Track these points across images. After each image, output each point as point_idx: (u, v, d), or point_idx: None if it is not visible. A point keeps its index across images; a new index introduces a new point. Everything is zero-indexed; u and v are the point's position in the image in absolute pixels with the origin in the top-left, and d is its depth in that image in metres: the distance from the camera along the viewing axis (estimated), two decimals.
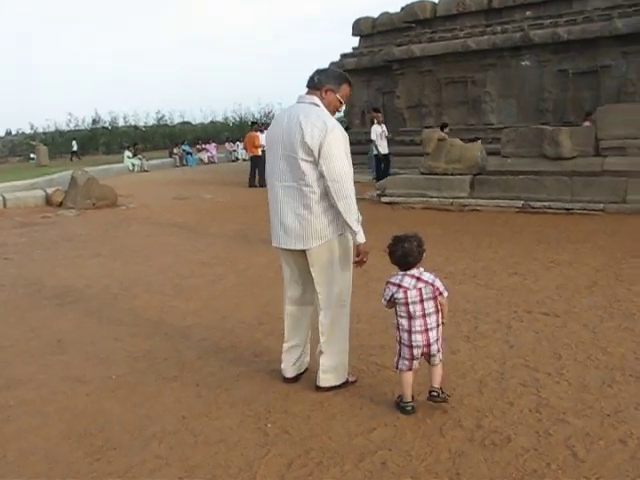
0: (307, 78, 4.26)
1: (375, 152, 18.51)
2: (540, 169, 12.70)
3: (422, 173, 14.41)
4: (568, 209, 12.13)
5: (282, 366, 4.52)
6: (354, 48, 25.23)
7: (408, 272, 3.86)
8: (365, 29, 24.62)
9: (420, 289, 3.80)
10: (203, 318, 6.31)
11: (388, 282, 3.92)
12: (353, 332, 4.99)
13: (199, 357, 5.18)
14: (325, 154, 3.94)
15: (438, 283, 3.87)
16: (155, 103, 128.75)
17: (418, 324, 3.80)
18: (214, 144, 40.06)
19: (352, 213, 4.02)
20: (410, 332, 3.82)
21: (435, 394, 3.87)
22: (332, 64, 25.17)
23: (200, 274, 8.35)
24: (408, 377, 3.91)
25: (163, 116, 62.84)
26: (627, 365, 4.56)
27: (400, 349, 3.91)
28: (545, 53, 18.68)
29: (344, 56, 25.10)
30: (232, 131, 53.75)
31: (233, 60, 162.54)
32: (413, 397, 3.95)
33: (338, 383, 4.30)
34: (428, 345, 3.83)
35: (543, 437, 3.51)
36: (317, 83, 4.19)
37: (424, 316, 3.81)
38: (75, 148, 44.81)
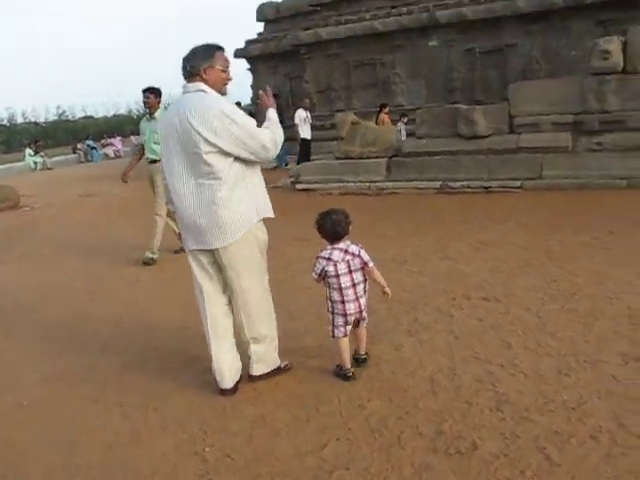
0: (181, 67, 4.01)
1: (303, 136, 18.35)
2: (456, 148, 12.57)
3: (337, 158, 14.11)
4: (486, 187, 12.04)
5: (216, 377, 4.18)
6: (259, 34, 24.69)
7: (336, 246, 4.11)
8: (270, 14, 24.11)
9: (348, 261, 4.07)
10: (123, 326, 5.81)
11: (318, 257, 4.14)
12: (288, 332, 4.65)
13: (122, 373, 4.71)
14: (242, 130, 3.83)
15: (363, 254, 4.13)
16: (55, 98, 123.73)
17: (350, 293, 4.08)
18: (119, 138, 38.76)
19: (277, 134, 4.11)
20: (343, 302, 4.08)
21: (364, 358, 4.36)
22: (237, 50, 24.60)
23: (115, 277, 7.80)
24: (345, 343, 4.19)
25: (64, 111, 60.48)
26: (579, 350, 4.34)
27: (334, 319, 4.17)
28: (451, 33, 18.68)
29: (249, 42, 24.52)
30: (137, 124, 51.92)
31: (135, 48, 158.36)
32: (351, 364, 4.26)
33: (270, 369, 4.32)
34: (360, 312, 4.16)
35: (510, 440, 3.23)
36: (192, 69, 3.94)
37: (354, 285, 4.09)
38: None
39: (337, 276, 4.06)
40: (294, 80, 23.08)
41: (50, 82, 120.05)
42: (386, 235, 8.87)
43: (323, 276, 4.12)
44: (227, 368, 4.15)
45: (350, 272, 4.08)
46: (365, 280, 4.18)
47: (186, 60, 3.95)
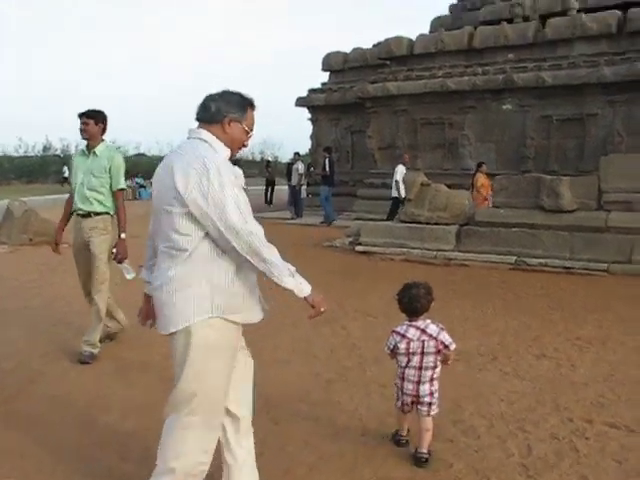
0: (199, 106, 3.18)
1: (395, 194, 16.90)
2: (536, 222, 11.44)
3: (402, 221, 13.05)
4: (567, 268, 10.86)
5: None
6: (323, 84, 24.03)
7: (414, 323, 3.91)
8: (336, 64, 23.46)
9: (423, 342, 3.84)
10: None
11: (393, 331, 3.97)
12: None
13: None
14: (212, 206, 2.90)
15: (442, 336, 3.87)
16: (109, 133, 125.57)
17: (412, 374, 3.87)
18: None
19: (276, 267, 2.96)
20: (403, 379, 3.92)
21: (422, 459, 3.84)
22: (299, 99, 23.94)
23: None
24: (400, 415, 4.08)
25: (119, 147, 60.71)
26: None
27: (396, 391, 4.05)
28: (528, 97, 17.66)
29: (312, 91, 23.86)
30: None
31: (192, 89, 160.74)
32: (408, 431, 4.11)
33: None
34: (417, 396, 3.88)
35: None
36: (216, 113, 3.11)
37: (420, 369, 3.86)
38: (66, 174, 40.02)
39: (407, 354, 3.88)
40: (356, 134, 22.27)
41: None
42: (463, 316, 7.76)
43: (395, 352, 3.95)
44: None
45: (422, 353, 3.86)
46: (435, 367, 3.91)
47: (212, 100, 3.15)
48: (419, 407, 3.91)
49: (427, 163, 18.96)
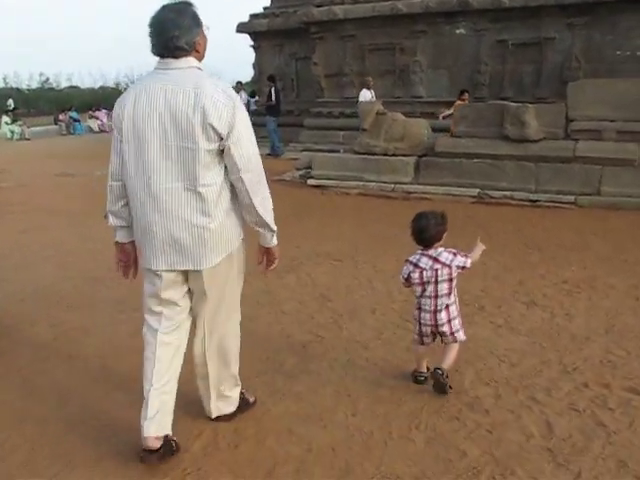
0: (158, 38, 2.99)
1: None
2: (500, 152, 10.81)
3: (357, 152, 12.26)
4: (533, 200, 10.31)
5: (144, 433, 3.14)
6: (265, 8, 22.69)
7: (426, 252, 3.82)
8: None
9: (436, 270, 3.77)
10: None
11: (407, 260, 3.90)
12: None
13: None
14: (236, 137, 2.96)
15: (457, 262, 3.78)
16: (39, 65, 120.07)
17: (428, 303, 3.81)
18: (105, 111, 36.44)
19: (271, 210, 3.20)
20: (420, 309, 3.87)
21: (440, 372, 3.76)
22: (240, 25, 22.62)
23: (91, 294, 5.96)
24: (419, 350, 3.98)
25: (48, 79, 58.16)
26: None
27: (414, 325, 3.97)
28: (483, 21, 16.78)
29: (254, 17, 22.50)
30: None
31: (124, 20, 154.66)
32: (428, 369, 3.97)
33: (234, 409, 3.56)
34: (435, 325, 3.82)
35: None
36: (188, 46, 3.01)
37: (436, 297, 3.79)
38: (12, 107, 36.12)
39: (422, 284, 3.82)
40: (301, 61, 21.11)
41: (34, 45, 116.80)
42: None
43: (410, 281, 3.87)
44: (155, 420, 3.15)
45: (436, 282, 3.78)
46: (450, 293, 3.83)
47: (176, 38, 2.95)
48: (443, 338, 3.87)
49: (377, 91, 17.95)
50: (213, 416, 3.51)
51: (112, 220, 3.21)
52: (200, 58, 3.10)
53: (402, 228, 9.01)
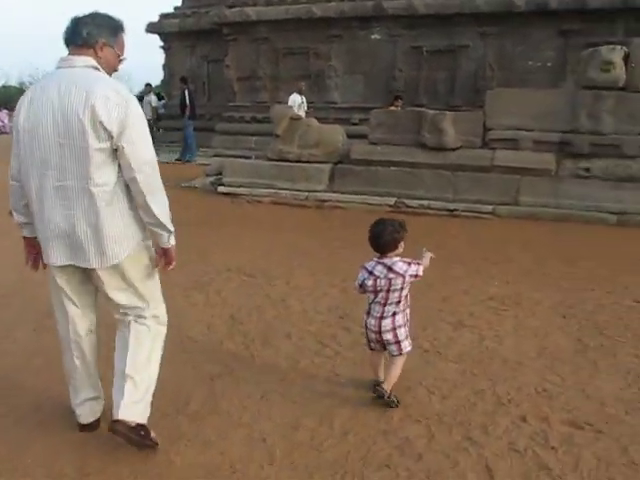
0: (67, 30, 3.09)
1: None
2: (417, 160, 10.56)
3: (270, 159, 11.80)
4: (451, 210, 10.08)
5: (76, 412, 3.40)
6: (176, 8, 21.98)
7: (381, 260, 3.75)
8: None
9: (390, 279, 3.70)
10: None
11: (362, 267, 3.83)
12: None
13: None
14: (129, 137, 2.93)
15: (410, 271, 3.71)
16: None
17: (376, 310, 3.78)
18: (5, 111, 34.89)
19: (167, 209, 3.14)
20: (368, 314, 3.83)
21: (381, 391, 3.68)
22: (150, 25, 21.84)
23: None
24: (371, 357, 3.97)
25: None
26: None
27: (364, 330, 3.92)
28: (398, 27, 16.66)
29: (164, 17, 21.77)
30: None
31: (28, 18, 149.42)
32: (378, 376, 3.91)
33: (144, 422, 3.22)
34: (379, 333, 3.77)
35: None
36: (88, 38, 3.05)
37: (385, 304, 3.75)
38: None
39: (375, 292, 3.75)
40: (213, 64, 20.49)
41: None
42: (350, 269, 6.70)
43: (363, 288, 3.80)
44: (87, 404, 3.38)
45: (388, 291, 3.72)
46: (399, 302, 3.76)
47: (82, 23, 3.06)
48: (387, 348, 3.80)
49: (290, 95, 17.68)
50: (120, 417, 3.17)
51: (16, 217, 3.23)
52: (103, 65, 3.08)
53: (317, 239, 8.74)
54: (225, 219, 9.60)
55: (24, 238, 3.30)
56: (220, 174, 12.29)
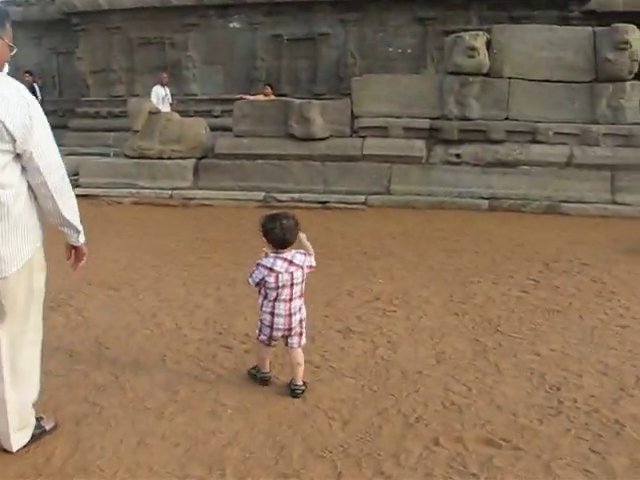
0: None
1: None
2: (285, 152, 10.17)
3: (129, 157, 11.03)
4: (323, 202, 9.74)
5: None
6: None
7: (280, 254, 3.66)
8: None
9: (292, 273, 3.66)
10: None
11: (259, 264, 3.68)
12: None
13: None
14: (35, 141, 2.76)
15: (307, 262, 3.73)
16: None
17: (282, 307, 3.69)
18: None
19: (76, 209, 3.07)
20: (273, 314, 3.70)
21: (299, 390, 3.70)
22: None
23: None
24: (266, 352, 3.86)
25: None
26: None
27: (261, 327, 3.79)
28: (257, 15, 16.08)
29: (4, 4, 20.21)
30: None
31: None
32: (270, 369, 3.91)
33: (28, 438, 3.10)
34: (289, 329, 3.73)
35: None
36: None
37: (290, 300, 3.70)
38: None
39: (277, 288, 3.66)
40: (63, 56, 19.10)
41: None
42: (221, 273, 6.20)
43: (262, 286, 3.69)
44: None
45: (292, 285, 3.68)
46: (302, 296, 3.78)
47: None
48: (289, 340, 3.76)
49: (147, 88, 16.68)
50: (14, 449, 3.06)
51: None
52: None
53: (185, 241, 8.14)
54: (84, 223, 8.80)
55: None
56: (76, 175, 11.38)
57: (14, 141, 2.72)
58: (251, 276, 3.71)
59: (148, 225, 8.78)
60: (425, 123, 9.78)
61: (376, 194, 9.73)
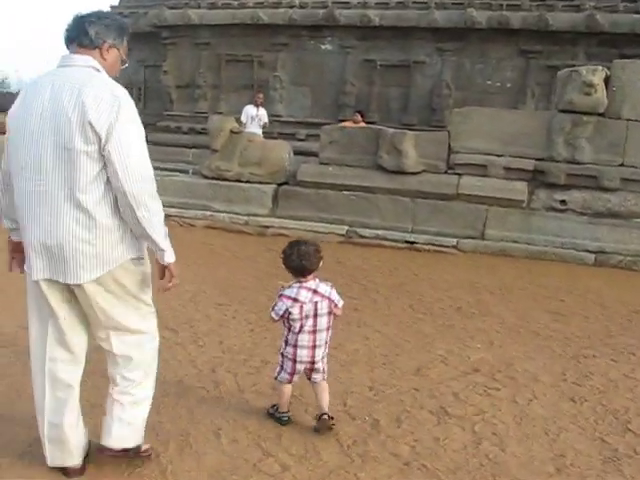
0: (69, 28, 2.85)
1: None
2: (373, 184, 9.36)
3: (205, 177, 10.43)
4: (410, 242, 8.90)
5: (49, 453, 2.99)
6: (112, 7, 20.43)
7: (304, 284, 3.54)
8: None
9: (316, 303, 3.53)
10: None
11: (282, 295, 3.55)
12: None
13: None
14: (117, 141, 2.65)
15: (334, 295, 3.60)
16: None
17: (306, 339, 3.55)
18: None
19: (159, 225, 2.85)
20: (296, 346, 3.55)
21: (327, 417, 3.57)
22: None
23: None
24: (288, 389, 3.69)
25: None
26: None
27: (283, 361, 3.64)
28: (350, 38, 15.45)
29: None
30: None
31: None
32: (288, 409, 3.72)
33: (134, 445, 3.05)
34: (312, 362, 3.58)
35: None
36: (96, 38, 2.82)
37: (314, 332, 3.56)
38: None
39: (301, 319, 3.50)
40: (150, 69, 18.90)
41: None
42: None
43: (286, 317, 3.52)
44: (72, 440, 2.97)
45: (315, 316, 3.53)
46: (329, 329, 3.61)
47: (89, 22, 2.83)
48: (313, 375, 3.64)
49: (232, 106, 16.33)
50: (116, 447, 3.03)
51: (5, 223, 3.06)
52: (106, 67, 2.89)
53: (257, 275, 7.40)
54: None
55: (9, 242, 3.09)
56: None
57: (99, 140, 2.65)
58: (274, 309, 3.57)
59: (219, 253, 8.13)
60: (529, 164, 8.85)
61: (469, 238, 8.85)
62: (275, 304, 3.56)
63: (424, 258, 8.42)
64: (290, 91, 16.28)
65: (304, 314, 3.50)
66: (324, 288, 3.56)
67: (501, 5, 14.26)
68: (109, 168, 2.70)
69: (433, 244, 8.83)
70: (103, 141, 2.66)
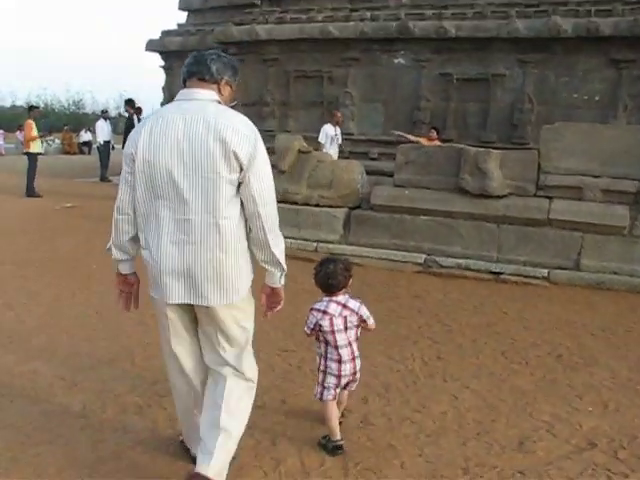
0: (191, 63, 3.11)
1: None
2: (454, 209, 8.54)
3: None
4: (496, 273, 8.04)
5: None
6: (179, 25, 20.17)
7: (334, 298, 3.64)
8: (195, 2, 19.61)
9: (345, 317, 3.61)
10: None
11: (312, 309, 3.67)
12: None
13: None
14: (257, 169, 2.92)
15: (363, 311, 3.67)
16: None
17: (346, 353, 3.62)
18: (1, 131, 33.14)
19: (283, 248, 3.11)
20: (340, 362, 3.62)
21: (341, 442, 3.60)
22: (151, 42, 20.04)
23: None
24: (335, 410, 3.68)
25: None
26: None
27: (324, 379, 3.66)
28: (424, 51, 14.63)
29: (166, 34, 19.93)
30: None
31: (39, 40, 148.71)
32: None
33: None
34: (354, 373, 3.68)
35: None
36: (216, 74, 3.09)
37: (350, 344, 3.62)
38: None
39: (332, 332, 3.58)
40: None
41: None
42: (386, 379, 4.68)
43: (317, 330, 3.62)
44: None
45: (346, 329, 3.60)
46: (358, 339, 3.71)
47: (211, 59, 3.09)
48: (352, 385, 3.75)
49: (301, 124, 15.75)
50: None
51: (115, 253, 3.16)
52: (222, 101, 3.08)
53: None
54: None
55: (118, 275, 3.22)
56: None
57: (241, 169, 2.87)
58: (306, 323, 3.66)
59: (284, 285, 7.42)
60: (631, 185, 7.89)
61: (562, 269, 7.93)
62: (307, 317, 3.66)
63: (512, 291, 7.55)
64: (361, 108, 15.55)
65: (335, 327, 3.57)
66: (353, 303, 3.64)
67: (589, 11, 13.23)
68: (246, 193, 2.90)
69: (521, 275, 7.95)
70: (245, 169, 2.87)
